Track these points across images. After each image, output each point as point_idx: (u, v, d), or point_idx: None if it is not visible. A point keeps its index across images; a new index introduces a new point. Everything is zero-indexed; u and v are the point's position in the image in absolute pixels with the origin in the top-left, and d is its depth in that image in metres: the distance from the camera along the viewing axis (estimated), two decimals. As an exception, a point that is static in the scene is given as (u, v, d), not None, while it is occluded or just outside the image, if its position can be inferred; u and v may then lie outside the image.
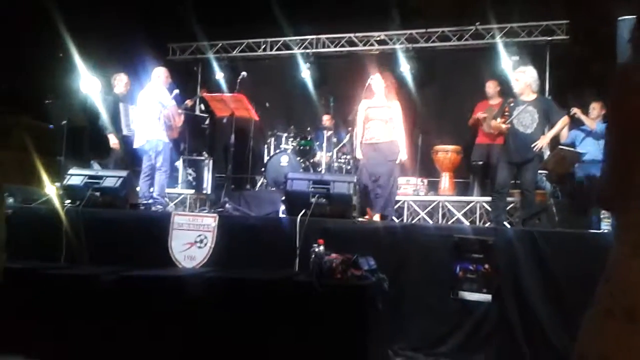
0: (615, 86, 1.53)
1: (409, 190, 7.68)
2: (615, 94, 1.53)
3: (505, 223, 5.59)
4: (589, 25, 7.85)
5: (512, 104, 5.76)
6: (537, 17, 8.77)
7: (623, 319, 1.39)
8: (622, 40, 4.41)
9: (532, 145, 5.51)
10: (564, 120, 5.71)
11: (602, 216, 5.01)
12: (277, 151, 8.11)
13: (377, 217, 5.76)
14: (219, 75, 9.87)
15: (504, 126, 5.78)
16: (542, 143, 5.53)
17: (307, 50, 9.91)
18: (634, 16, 1.63)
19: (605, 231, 4.69)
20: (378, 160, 5.88)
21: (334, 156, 7.92)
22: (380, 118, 5.94)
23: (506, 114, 5.76)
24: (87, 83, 7.70)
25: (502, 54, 8.51)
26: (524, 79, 5.75)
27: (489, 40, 8.95)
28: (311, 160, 8.09)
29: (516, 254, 4.20)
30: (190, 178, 8.09)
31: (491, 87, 7.53)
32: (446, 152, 7.91)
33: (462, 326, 4.17)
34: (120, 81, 7.27)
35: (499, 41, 8.71)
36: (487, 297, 4.14)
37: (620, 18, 4.97)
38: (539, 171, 5.99)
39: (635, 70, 1.49)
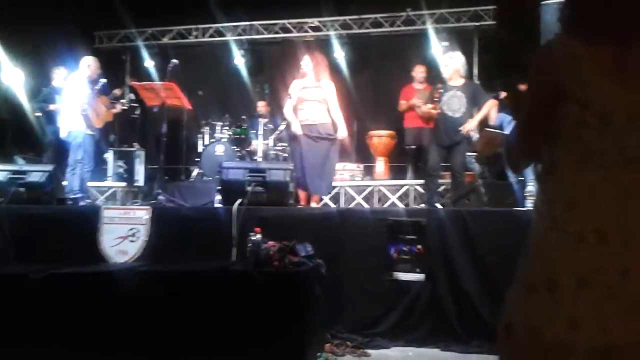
0: (539, 59, 1.57)
1: (346, 176, 7.75)
2: (537, 67, 1.57)
3: (437, 204, 5.75)
4: (514, 10, 8.10)
5: (441, 90, 5.90)
6: (466, 3, 9.01)
7: (544, 290, 1.45)
8: (546, 25, 4.54)
9: (460, 128, 5.68)
10: (490, 103, 5.91)
11: (526, 194, 5.24)
12: (212, 140, 7.98)
13: (314, 204, 5.77)
14: (149, 64, 9.60)
15: (434, 112, 5.93)
16: (470, 126, 5.71)
17: (241, 37, 9.78)
18: (557, 0, 1.69)
19: (529, 208, 4.89)
20: (311, 140, 5.72)
21: (271, 144, 7.88)
22: (313, 99, 5.77)
23: (436, 99, 5.91)
24: (10, 74, 7.39)
25: (433, 39, 8.70)
26: (452, 64, 5.90)
27: (420, 26, 9.13)
28: (247, 149, 8.01)
29: (447, 234, 4.31)
30: (121, 170, 7.84)
31: (417, 71, 7.64)
32: (380, 137, 8.04)
33: (397, 306, 4.25)
34: (59, 74, 7.10)
35: (430, 27, 8.90)
36: (420, 277, 4.24)
37: (543, 2, 5.13)
38: (468, 153, 6.18)
39: (559, 45, 1.55)
